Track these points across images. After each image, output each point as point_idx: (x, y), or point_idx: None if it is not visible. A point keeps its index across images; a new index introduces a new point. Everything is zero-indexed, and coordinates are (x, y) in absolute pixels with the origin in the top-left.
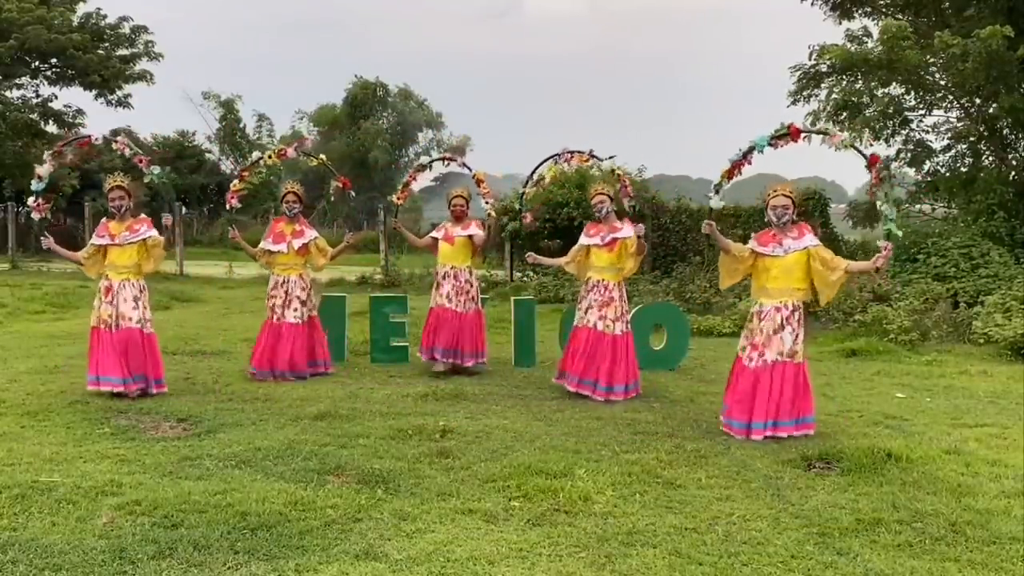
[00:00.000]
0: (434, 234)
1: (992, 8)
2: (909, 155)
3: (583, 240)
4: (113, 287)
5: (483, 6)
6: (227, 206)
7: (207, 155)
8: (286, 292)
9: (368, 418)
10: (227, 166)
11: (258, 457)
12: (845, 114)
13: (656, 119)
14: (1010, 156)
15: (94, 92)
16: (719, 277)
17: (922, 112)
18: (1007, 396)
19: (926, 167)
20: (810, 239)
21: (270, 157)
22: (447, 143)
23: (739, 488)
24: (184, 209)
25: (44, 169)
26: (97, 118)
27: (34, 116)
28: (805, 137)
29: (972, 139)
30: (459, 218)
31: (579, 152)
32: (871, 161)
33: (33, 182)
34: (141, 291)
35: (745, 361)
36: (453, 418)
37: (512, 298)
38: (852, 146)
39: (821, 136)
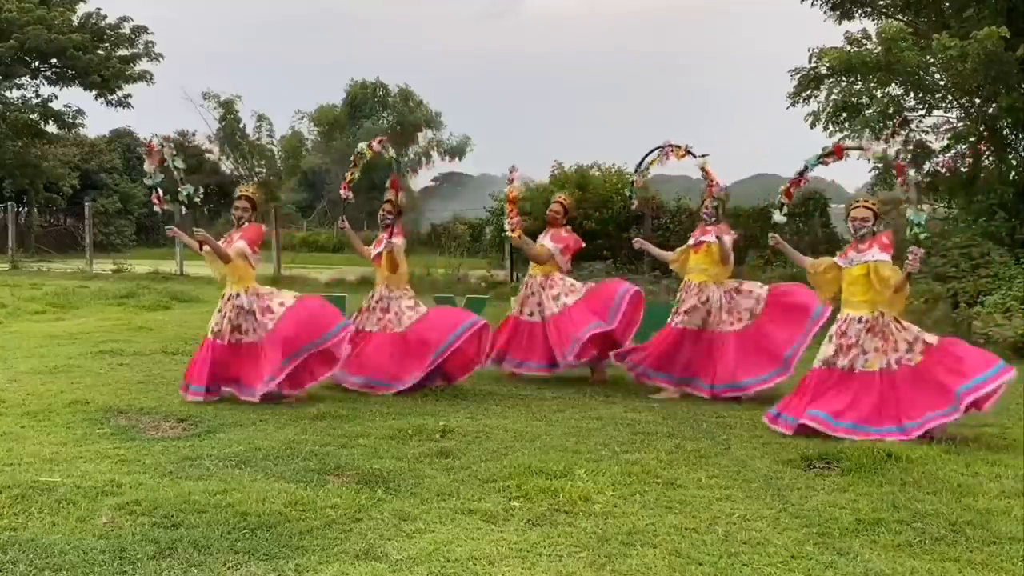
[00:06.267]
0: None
1: (992, 9)
2: (909, 156)
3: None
4: (225, 297)
5: (482, 6)
6: (343, 198)
7: (207, 155)
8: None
9: (368, 418)
10: (227, 166)
11: (258, 457)
12: (844, 115)
13: (655, 119)
14: (1010, 156)
15: (94, 92)
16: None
17: (922, 113)
18: (1007, 396)
19: (926, 167)
20: (874, 253)
21: (369, 147)
22: (447, 143)
23: (739, 488)
24: (184, 209)
25: (179, 162)
26: (97, 118)
27: (34, 116)
28: (846, 154)
29: (972, 139)
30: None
31: (677, 147)
32: (898, 170)
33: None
34: (254, 297)
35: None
36: (453, 418)
37: (512, 298)
38: (885, 158)
39: (859, 151)
